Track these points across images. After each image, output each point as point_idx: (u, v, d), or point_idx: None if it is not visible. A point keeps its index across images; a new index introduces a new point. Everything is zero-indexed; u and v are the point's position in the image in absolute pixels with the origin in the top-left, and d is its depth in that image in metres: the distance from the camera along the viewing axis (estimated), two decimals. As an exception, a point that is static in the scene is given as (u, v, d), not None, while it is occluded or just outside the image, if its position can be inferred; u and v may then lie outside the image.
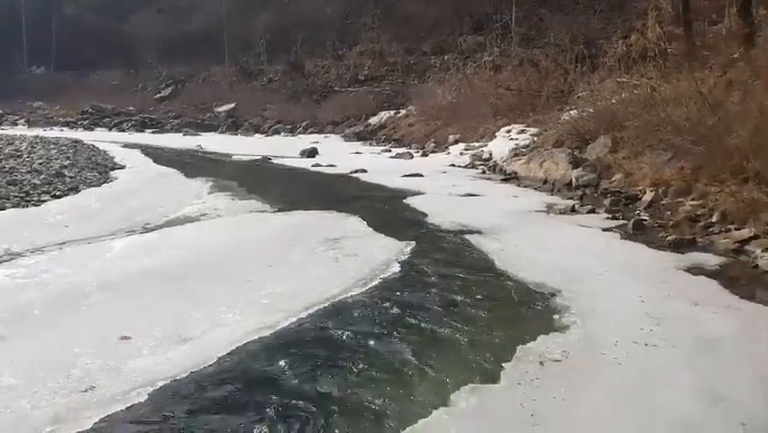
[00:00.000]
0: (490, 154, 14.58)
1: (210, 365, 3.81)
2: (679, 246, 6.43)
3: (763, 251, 5.69)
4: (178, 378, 3.63)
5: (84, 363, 3.78)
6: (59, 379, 3.55)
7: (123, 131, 28.99)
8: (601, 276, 5.55)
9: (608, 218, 8.06)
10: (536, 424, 3.07)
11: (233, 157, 18.26)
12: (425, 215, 8.75)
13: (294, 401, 3.38)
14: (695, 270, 5.69)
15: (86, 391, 3.45)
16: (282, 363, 3.89)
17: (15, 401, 3.29)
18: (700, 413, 3.14)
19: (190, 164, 16.24)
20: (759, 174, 6.84)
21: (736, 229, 6.52)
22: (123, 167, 14.76)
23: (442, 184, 11.53)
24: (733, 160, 7.33)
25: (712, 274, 5.55)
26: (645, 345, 3.98)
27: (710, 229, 6.82)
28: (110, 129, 29.63)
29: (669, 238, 6.63)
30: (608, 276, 5.55)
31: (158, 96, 34.90)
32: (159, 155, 18.30)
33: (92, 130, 29.38)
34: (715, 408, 3.20)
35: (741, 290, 5.12)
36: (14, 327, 4.31)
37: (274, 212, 9.19)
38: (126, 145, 21.16)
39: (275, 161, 16.97)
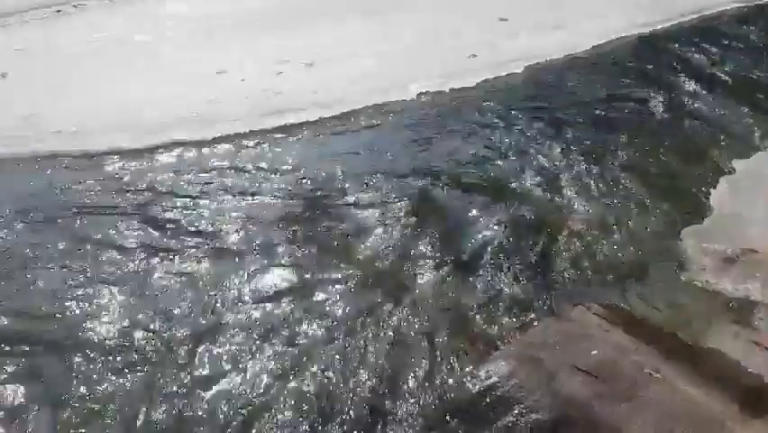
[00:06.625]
0: None
1: (584, 52, 3.87)
2: None
3: None
4: (552, 57, 3.78)
5: (466, 38, 4.14)
6: (444, 48, 3.97)
7: None
8: None
9: None
10: None
11: None
12: None
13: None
14: None
15: (469, 57, 3.82)
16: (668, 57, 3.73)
17: (407, 64, 3.80)
18: None
19: None
20: None
21: None
22: None
23: None
24: None
25: None
26: None
27: None
28: None
29: None
30: None
31: None
32: None
33: None
34: None
35: None
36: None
37: None
38: None
39: None
